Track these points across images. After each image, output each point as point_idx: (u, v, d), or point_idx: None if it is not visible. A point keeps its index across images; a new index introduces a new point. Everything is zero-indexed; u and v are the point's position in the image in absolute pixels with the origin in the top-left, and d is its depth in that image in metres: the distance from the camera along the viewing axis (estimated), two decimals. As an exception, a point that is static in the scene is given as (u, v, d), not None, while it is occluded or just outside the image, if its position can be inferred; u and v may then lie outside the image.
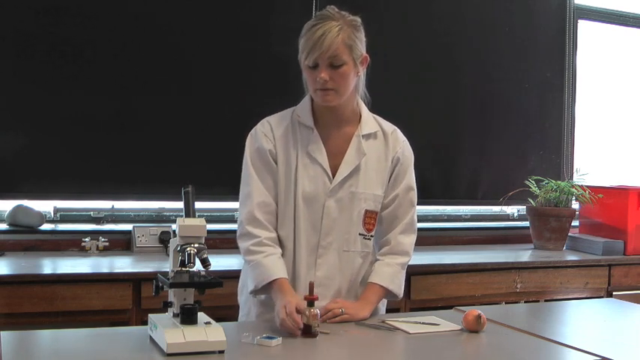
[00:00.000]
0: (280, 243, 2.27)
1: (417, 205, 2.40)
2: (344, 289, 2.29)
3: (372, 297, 2.28)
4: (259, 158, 2.26)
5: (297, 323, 2.01)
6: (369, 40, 2.24)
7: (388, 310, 2.47)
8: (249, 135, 2.32)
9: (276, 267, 2.19)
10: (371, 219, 2.30)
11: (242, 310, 2.40)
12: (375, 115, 2.37)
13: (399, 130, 2.39)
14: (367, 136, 2.30)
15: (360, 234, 2.29)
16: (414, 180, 2.38)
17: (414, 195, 2.37)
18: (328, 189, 2.25)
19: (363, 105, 2.34)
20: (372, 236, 2.33)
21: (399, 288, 2.33)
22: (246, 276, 2.33)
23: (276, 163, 2.26)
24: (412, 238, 2.38)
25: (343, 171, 2.26)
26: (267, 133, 2.28)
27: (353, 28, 2.18)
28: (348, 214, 2.27)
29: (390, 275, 2.31)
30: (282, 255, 2.25)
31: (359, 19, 2.23)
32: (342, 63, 2.14)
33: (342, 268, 2.28)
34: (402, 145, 2.36)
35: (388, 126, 2.37)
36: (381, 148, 2.33)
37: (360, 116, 2.31)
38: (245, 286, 2.33)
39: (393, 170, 2.34)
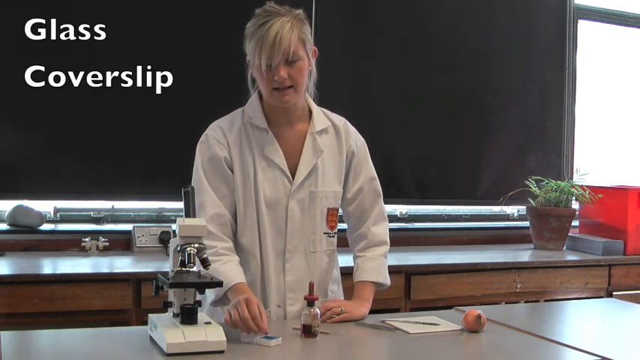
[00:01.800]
0: (245, 250, 2.20)
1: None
2: (314, 290, 2.21)
3: (366, 294, 2.28)
4: (212, 167, 2.17)
5: (260, 328, 1.92)
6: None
7: (388, 310, 2.47)
8: (199, 142, 2.21)
9: (236, 272, 2.11)
10: (333, 216, 2.27)
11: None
12: (322, 109, 2.30)
13: (348, 122, 2.34)
14: (320, 132, 2.24)
15: (324, 233, 2.26)
16: (374, 169, 2.35)
17: (377, 184, 2.35)
18: (289, 191, 2.19)
19: (311, 100, 2.26)
20: (335, 233, 2.29)
21: (386, 278, 2.33)
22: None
23: (231, 170, 2.18)
24: (385, 226, 2.37)
25: (302, 171, 2.20)
26: (219, 139, 2.18)
27: (301, 21, 2.10)
28: (311, 214, 2.22)
29: (376, 269, 2.31)
30: (249, 263, 2.20)
31: (303, 12, 2.13)
32: (298, 58, 2.07)
33: (311, 269, 2.24)
34: (354, 137, 2.31)
35: (338, 119, 2.31)
36: (334, 143, 2.28)
37: (310, 112, 2.25)
38: (205, 299, 2.20)
39: (349, 164, 2.30)
